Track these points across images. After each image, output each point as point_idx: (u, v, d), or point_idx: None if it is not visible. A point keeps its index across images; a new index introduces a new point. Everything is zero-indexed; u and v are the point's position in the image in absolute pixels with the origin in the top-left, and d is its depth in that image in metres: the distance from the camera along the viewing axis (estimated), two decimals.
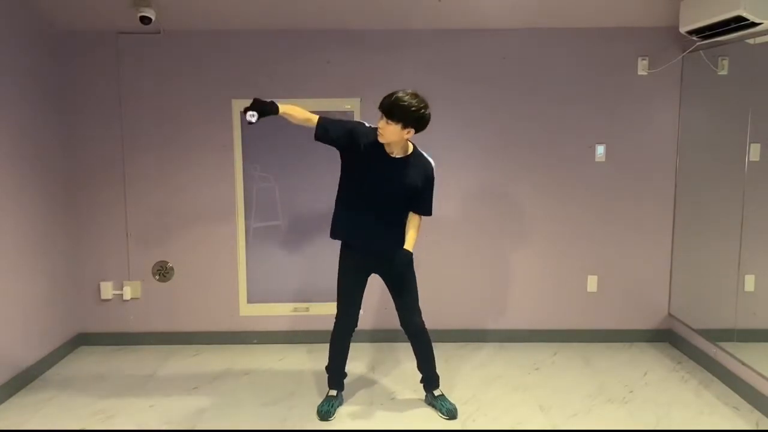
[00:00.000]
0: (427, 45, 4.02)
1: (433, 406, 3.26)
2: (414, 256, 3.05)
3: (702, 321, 3.87)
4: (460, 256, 4.19)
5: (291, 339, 4.20)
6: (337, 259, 3.19)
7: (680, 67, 4.00)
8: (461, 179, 4.12)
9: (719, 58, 3.66)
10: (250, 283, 4.20)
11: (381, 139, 2.91)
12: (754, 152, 3.32)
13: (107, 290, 4.14)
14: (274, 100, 2.90)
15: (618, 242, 4.18)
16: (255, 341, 4.22)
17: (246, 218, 4.16)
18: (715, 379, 3.61)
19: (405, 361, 3.80)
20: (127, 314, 4.19)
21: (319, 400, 3.30)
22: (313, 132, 2.97)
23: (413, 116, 2.82)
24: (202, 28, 3.96)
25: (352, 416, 3.21)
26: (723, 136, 3.68)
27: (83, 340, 4.18)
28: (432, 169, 3.05)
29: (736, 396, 3.39)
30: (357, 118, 3.95)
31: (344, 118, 3.50)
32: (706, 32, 3.47)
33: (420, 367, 3.29)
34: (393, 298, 3.19)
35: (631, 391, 3.49)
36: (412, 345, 3.25)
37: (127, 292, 4.15)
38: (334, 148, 3.02)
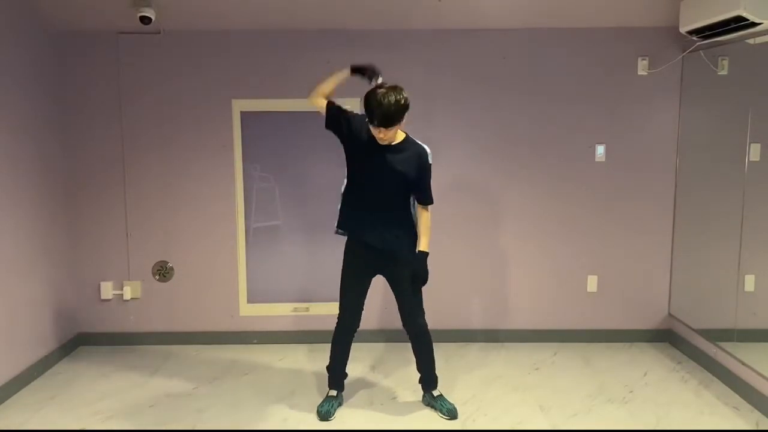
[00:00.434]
0: (427, 45, 4.02)
1: (432, 407, 3.26)
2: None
3: (702, 321, 3.87)
4: (460, 256, 4.19)
5: (291, 339, 4.20)
6: (339, 258, 3.18)
7: (680, 67, 4.01)
8: (461, 179, 4.12)
9: (719, 58, 3.66)
10: (250, 283, 4.20)
11: (382, 142, 2.95)
12: (754, 152, 3.32)
13: (107, 290, 4.15)
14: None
15: (618, 242, 4.18)
16: (255, 341, 4.21)
17: (246, 218, 4.16)
18: (715, 379, 3.61)
19: (405, 361, 3.79)
20: (127, 314, 4.19)
21: (319, 400, 3.30)
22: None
23: (405, 110, 2.87)
24: (202, 28, 3.96)
25: (352, 416, 3.20)
26: (723, 136, 3.68)
27: (83, 340, 4.18)
28: (427, 154, 3.04)
29: (736, 396, 3.38)
30: None
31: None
32: (706, 32, 3.47)
33: (420, 368, 3.29)
34: (396, 298, 3.17)
35: (631, 391, 3.49)
36: (412, 345, 3.25)
37: (127, 292, 4.15)
38: (335, 146, 3.08)
